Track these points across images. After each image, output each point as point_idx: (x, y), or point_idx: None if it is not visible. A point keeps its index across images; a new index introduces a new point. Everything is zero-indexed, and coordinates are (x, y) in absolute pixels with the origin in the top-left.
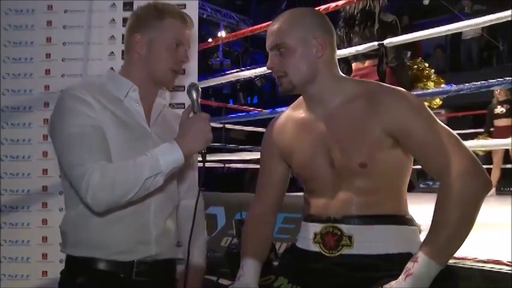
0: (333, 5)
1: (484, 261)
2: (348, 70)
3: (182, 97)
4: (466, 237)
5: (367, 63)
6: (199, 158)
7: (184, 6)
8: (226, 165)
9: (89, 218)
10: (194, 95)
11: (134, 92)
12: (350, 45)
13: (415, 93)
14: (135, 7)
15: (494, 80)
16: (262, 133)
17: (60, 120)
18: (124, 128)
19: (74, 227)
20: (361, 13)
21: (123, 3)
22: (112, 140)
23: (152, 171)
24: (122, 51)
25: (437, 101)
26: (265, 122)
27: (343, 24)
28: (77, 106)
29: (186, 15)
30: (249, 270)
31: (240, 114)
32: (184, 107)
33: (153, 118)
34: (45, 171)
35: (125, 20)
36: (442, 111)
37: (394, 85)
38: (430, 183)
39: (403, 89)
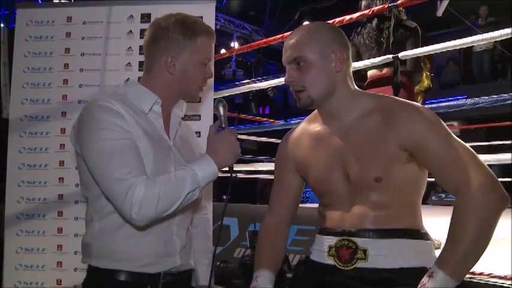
0: (347, 17)
1: (500, 277)
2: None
3: (196, 109)
4: (483, 252)
5: (385, 70)
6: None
7: (201, 18)
8: (238, 175)
9: (115, 230)
10: (221, 110)
11: (157, 105)
12: (378, 51)
13: (429, 106)
14: (152, 19)
15: (508, 95)
16: (274, 143)
17: (92, 132)
18: (151, 141)
19: (100, 239)
20: (382, 19)
21: (141, 14)
22: (143, 153)
23: (193, 185)
24: (139, 62)
25: (426, 84)
26: (277, 133)
27: (366, 30)
28: (110, 118)
29: (211, 29)
30: (263, 281)
31: (253, 125)
32: (199, 119)
33: (173, 130)
34: (61, 179)
35: (142, 31)
36: (455, 123)
37: (408, 88)
38: (443, 195)
39: (418, 104)
